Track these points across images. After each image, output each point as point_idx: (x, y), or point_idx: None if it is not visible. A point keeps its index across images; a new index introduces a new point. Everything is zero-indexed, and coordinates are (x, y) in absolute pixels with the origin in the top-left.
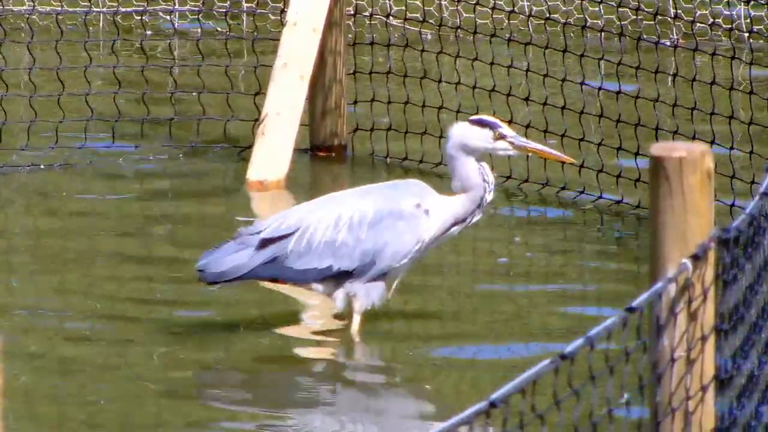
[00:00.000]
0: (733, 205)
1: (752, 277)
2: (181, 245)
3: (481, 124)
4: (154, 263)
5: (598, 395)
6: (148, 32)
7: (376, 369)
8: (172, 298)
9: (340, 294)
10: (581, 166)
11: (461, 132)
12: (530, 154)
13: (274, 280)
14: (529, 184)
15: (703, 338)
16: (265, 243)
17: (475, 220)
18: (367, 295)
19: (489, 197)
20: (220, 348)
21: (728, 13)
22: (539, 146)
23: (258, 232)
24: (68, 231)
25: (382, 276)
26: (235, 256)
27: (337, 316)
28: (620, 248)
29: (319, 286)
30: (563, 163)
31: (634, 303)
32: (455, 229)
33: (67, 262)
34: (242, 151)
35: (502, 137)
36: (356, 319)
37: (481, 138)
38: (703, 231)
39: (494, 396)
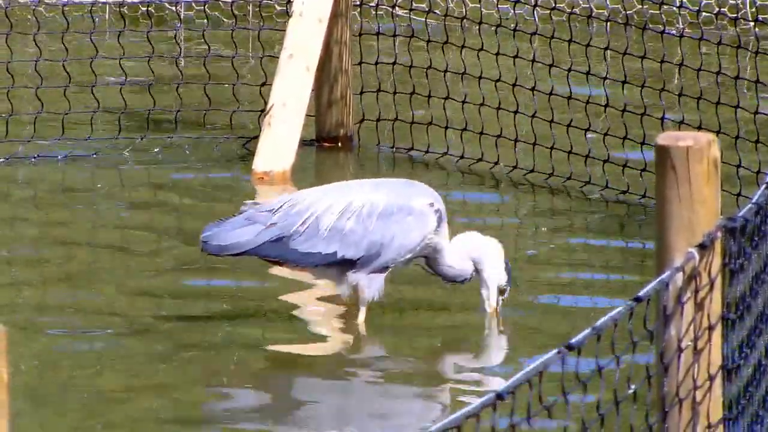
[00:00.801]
0: (739, 194)
1: (759, 267)
2: (187, 236)
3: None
4: (160, 254)
5: (605, 386)
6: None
7: (381, 360)
8: (178, 289)
9: (342, 282)
10: (587, 156)
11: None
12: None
13: (277, 261)
14: (535, 174)
15: (710, 328)
16: (273, 222)
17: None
18: (368, 286)
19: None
20: (223, 340)
21: (734, 2)
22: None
23: (268, 210)
24: (73, 222)
25: (384, 269)
26: (241, 231)
27: (342, 307)
28: (626, 238)
29: (321, 272)
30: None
31: (641, 293)
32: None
33: (72, 253)
34: (248, 142)
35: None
36: (362, 311)
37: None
38: (710, 220)
39: (501, 388)
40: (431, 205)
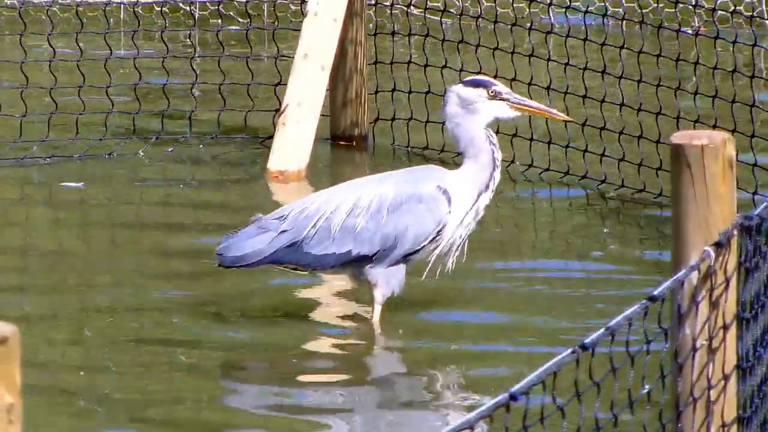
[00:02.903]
0: (755, 192)
1: None
2: (201, 235)
3: (475, 84)
4: (175, 253)
5: (619, 386)
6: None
7: (396, 359)
8: (192, 287)
9: (361, 280)
10: (602, 155)
11: (456, 95)
12: (528, 114)
13: (293, 266)
14: (550, 173)
15: (725, 327)
16: (284, 228)
17: (496, 183)
18: (387, 282)
19: (499, 155)
20: (238, 338)
21: (749, 0)
22: (535, 104)
23: (278, 218)
24: (88, 221)
25: (403, 260)
26: (254, 241)
27: (357, 306)
28: (642, 236)
29: (337, 272)
30: (566, 122)
31: (656, 291)
32: (481, 200)
33: (88, 251)
34: (263, 141)
35: (496, 95)
36: (377, 309)
37: (476, 98)
38: (726, 219)
39: (514, 388)
40: (439, 187)
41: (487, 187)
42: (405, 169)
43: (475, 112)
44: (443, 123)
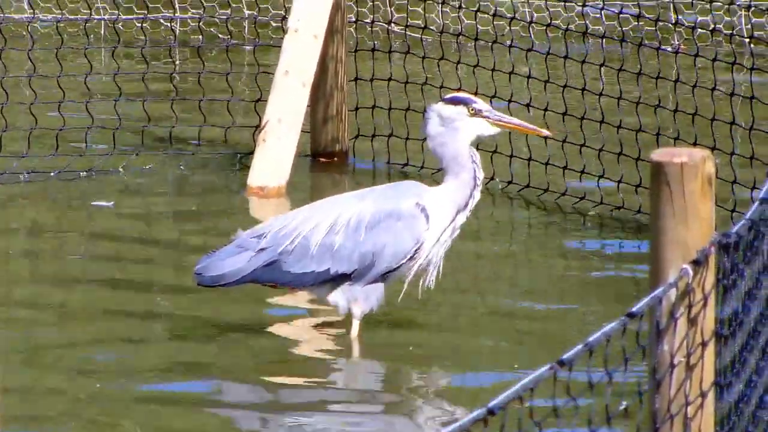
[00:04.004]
0: (734, 210)
1: (751, 283)
2: (181, 251)
3: (455, 101)
4: (154, 269)
5: (597, 401)
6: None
7: (374, 375)
8: (172, 303)
9: (338, 298)
10: (582, 172)
11: (437, 113)
12: (509, 130)
13: (273, 284)
14: (529, 190)
15: (703, 344)
16: (263, 247)
17: (475, 201)
18: (366, 299)
19: (481, 174)
20: (216, 355)
21: (729, 18)
22: (516, 121)
23: (257, 236)
24: (67, 237)
25: (382, 278)
26: (233, 260)
27: (335, 321)
28: (621, 253)
29: (317, 290)
30: (545, 137)
31: (635, 308)
32: (459, 217)
33: (67, 267)
34: (243, 157)
35: (477, 112)
36: (355, 325)
37: (457, 116)
38: (704, 236)
39: (492, 403)
40: (417, 204)
41: (466, 205)
42: (386, 184)
43: (456, 129)
44: (423, 139)
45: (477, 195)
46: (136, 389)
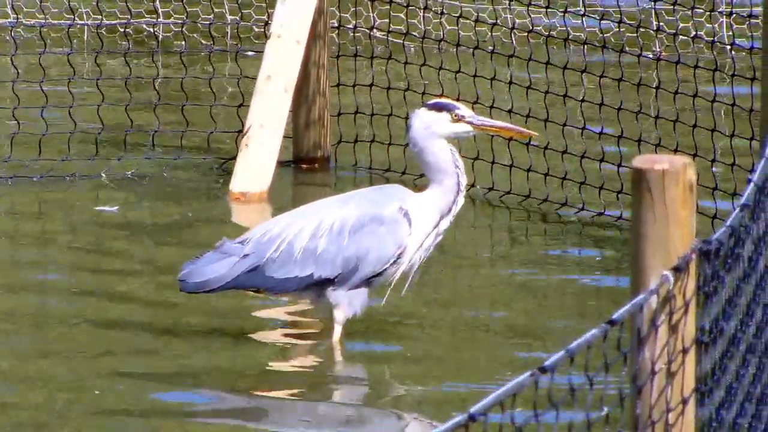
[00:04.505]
0: (714, 216)
1: (732, 290)
2: (163, 256)
3: (438, 107)
4: (135, 274)
5: (578, 408)
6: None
7: (356, 381)
8: (151, 311)
9: (322, 303)
10: (564, 178)
11: (420, 119)
12: (492, 134)
13: (256, 289)
14: (510, 196)
15: (684, 351)
16: (246, 252)
17: (458, 207)
18: (350, 303)
19: (464, 180)
20: (197, 361)
21: (710, 25)
22: (499, 123)
23: (241, 242)
24: (49, 242)
25: (365, 283)
26: (216, 266)
27: (317, 327)
28: (602, 260)
29: (300, 296)
30: (528, 139)
31: (615, 315)
32: (443, 223)
33: (47, 274)
34: (225, 162)
35: (460, 119)
36: (337, 330)
37: (439, 121)
38: (685, 243)
39: (474, 409)
40: (400, 209)
41: (449, 211)
42: (369, 188)
43: (439, 135)
44: (406, 145)
45: (460, 201)
46: (115, 399)
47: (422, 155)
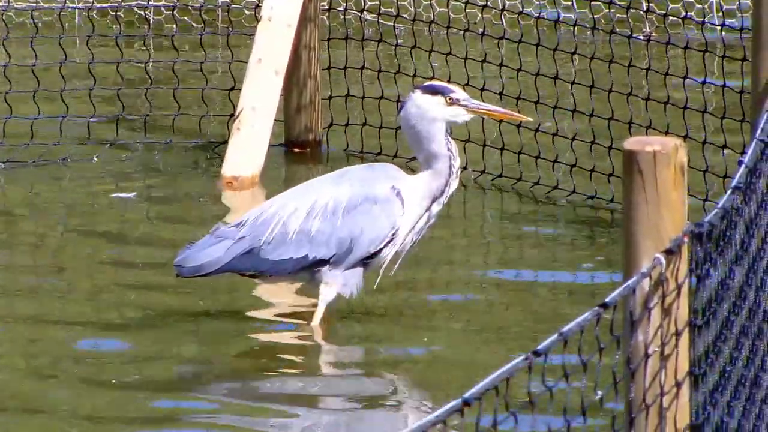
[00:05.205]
0: (706, 199)
1: (724, 272)
2: (155, 241)
3: (432, 90)
4: (129, 259)
5: (572, 392)
6: (122, 27)
7: (345, 368)
8: (144, 295)
9: (317, 284)
10: (554, 161)
11: (414, 102)
12: (485, 117)
13: (251, 272)
14: (502, 180)
15: (677, 333)
16: (241, 236)
17: (451, 191)
18: (345, 284)
19: (457, 164)
20: (189, 343)
21: (700, 6)
22: (493, 107)
23: (236, 226)
24: (42, 228)
25: (361, 263)
26: (211, 250)
27: (312, 309)
28: (594, 243)
29: (295, 278)
30: (520, 122)
31: (608, 298)
32: (435, 206)
33: (42, 259)
34: (217, 146)
35: (454, 102)
36: (320, 310)
37: (434, 105)
38: (677, 225)
39: (468, 394)
40: (393, 188)
41: (442, 193)
42: (361, 165)
43: (433, 119)
44: (397, 128)
45: (453, 184)
46: (109, 378)
47: (415, 138)
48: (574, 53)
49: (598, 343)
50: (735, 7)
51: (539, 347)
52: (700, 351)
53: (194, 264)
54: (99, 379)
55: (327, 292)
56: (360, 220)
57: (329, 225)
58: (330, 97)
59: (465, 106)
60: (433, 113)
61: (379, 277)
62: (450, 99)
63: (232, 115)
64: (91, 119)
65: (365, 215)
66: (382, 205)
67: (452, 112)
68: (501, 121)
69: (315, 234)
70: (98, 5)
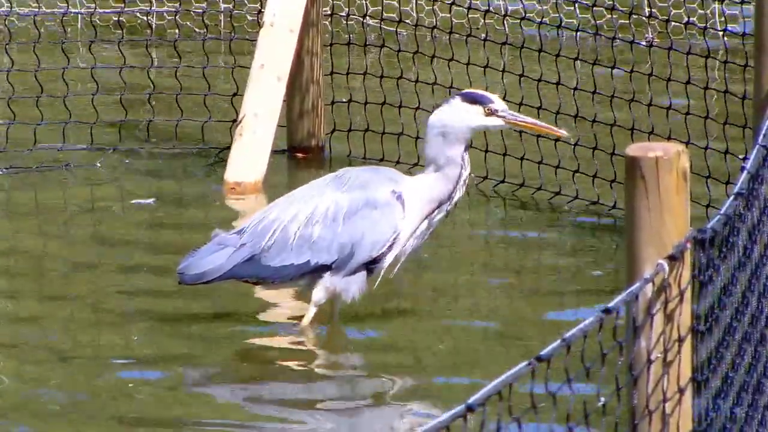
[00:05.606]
0: (708, 205)
1: (727, 279)
2: (159, 247)
3: (472, 99)
4: (133, 265)
5: (575, 398)
6: (125, 33)
7: (348, 372)
8: (150, 299)
9: (319, 289)
10: (557, 167)
11: (453, 108)
12: (525, 130)
13: (255, 280)
14: (505, 185)
15: (680, 339)
16: (243, 242)
17: (457, 198)
18: (347, 288)
19: (465, 174)
20: (191, 348)
21: (703, 12)
22: (531, 120)
23: (238, 232)
24: (45, 234)
25: (363, 268)
26: (213, 257)
27: (313, 315)
28: (596, 249)
29: (297, 284)
30: (557, 138)
31: (611, 304)
32: (438, 213)
33: (45, 265)
34: (220, 152)
35: (493, 112)
36: (311, 311)
37: (472, 115)
38: (680, 231)
39: (471, 399)
40: (393, 192)
41: (449, 198)
42: (361, 167)
43: (468, 127)
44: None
45: (460, 191)
46: (112, 378)
47: (437, 142)
48: (576, 59)
49: (601, 349)
50: (737, 12)
51: (542, 353)
52: (703, 357)
53: (197, 271)
54: (100, 381)
55: (319, 296)
56: (361, 225)
57: (330, 231)
58: (332, 103)
59: (503, 117)
60: (469, 122)
61: (379, 279)
62: (489, 109)
63: (234, 121)
64: (94, 125)
65: (366, 220)
66: (383, 210)
67: (488, 122)
68: (539, 135)
69: (316, 240)
70: (101, 11)
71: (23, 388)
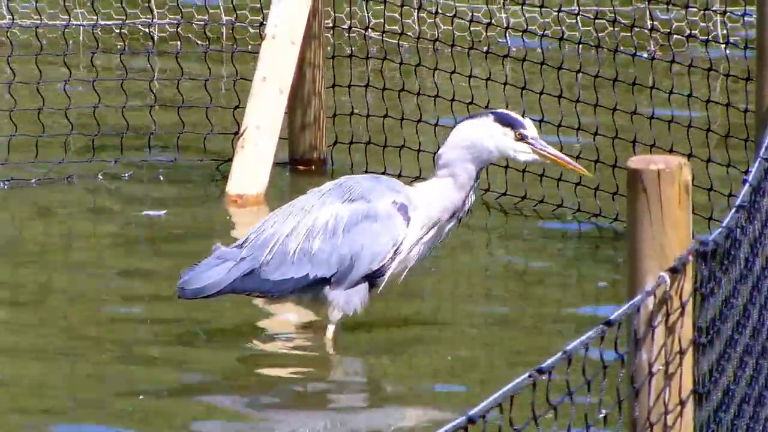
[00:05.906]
0: (710, 218)
1: (728, 291)
2: (160, 259)
3: (505, 121)
4: (133, 277)
5: (576, 410)
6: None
7: (349, 381)
8: (150, 312)
9: (322, 303)
10: (559, 179)
11: (484, 127)
12: (548, 161)
13: (253, 293)
14: (507, 198)
15: (681, 352)
16: (242, 256)
17: (468, 206)
18: (347, 302)
19: (476, 184)
20: (193, 363)
21: (704, 24)
22: (558, 154)
23: (238, 246)
24: (47, 245)
25: (365, 280)
26: (213, 272)
27: (313, 326)
28: (598, 262)
29: (297, 297)
30: (581, 175)
31: (612, 316)
32: (450, 222)
33: (46, 276)
34: (221, 164)
35: (522, 138)
36: (330, 329)
37: (502, 137)
38: (681, 244)
39: (472, 411)
40: (394, 203)
41: (463, 205)
42: (362, 176)
43: (496, 148)
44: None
45: (471, 198)
46: (113, 386)
47: (460, 154)
48: (578, 71)
49: (603, 361)
50: (739, 24)
51: (543, 365)
52: (704, 369)
53: (197, 286)
54: (100, 383)
55: (335, 313)
56: (360, 238)
57: (329, 243)
58: (334, 115)
59: (532, 145)
60: (497, 143)
61: (381, 288)
62: (520, 135)
63: (236, 133)
64: (95, 136)
65: (365, 233)
66: (383, 222)
67: (517, 148)
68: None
69: (315, 253)
70: (102, 23)
71: (23, 388)
